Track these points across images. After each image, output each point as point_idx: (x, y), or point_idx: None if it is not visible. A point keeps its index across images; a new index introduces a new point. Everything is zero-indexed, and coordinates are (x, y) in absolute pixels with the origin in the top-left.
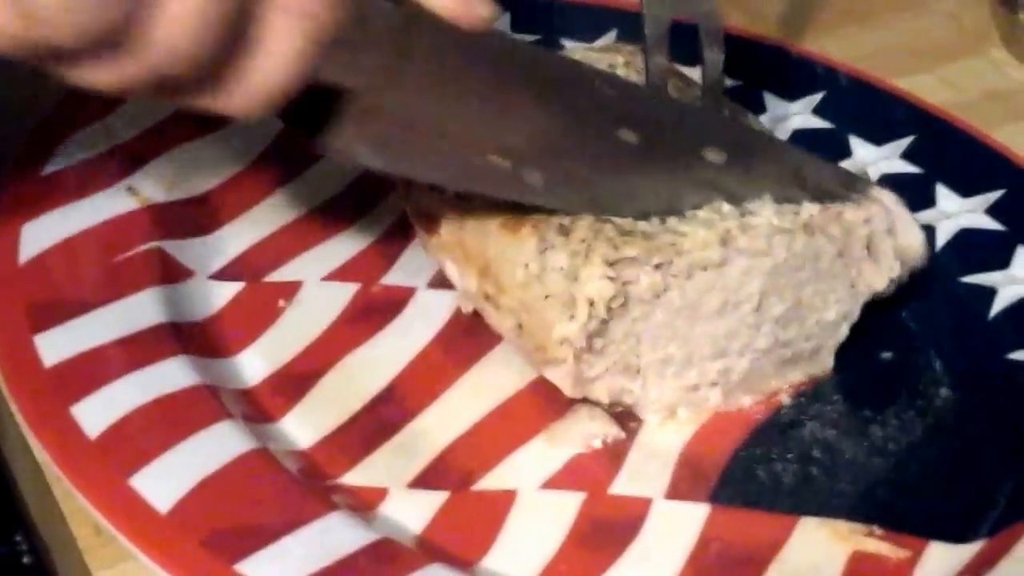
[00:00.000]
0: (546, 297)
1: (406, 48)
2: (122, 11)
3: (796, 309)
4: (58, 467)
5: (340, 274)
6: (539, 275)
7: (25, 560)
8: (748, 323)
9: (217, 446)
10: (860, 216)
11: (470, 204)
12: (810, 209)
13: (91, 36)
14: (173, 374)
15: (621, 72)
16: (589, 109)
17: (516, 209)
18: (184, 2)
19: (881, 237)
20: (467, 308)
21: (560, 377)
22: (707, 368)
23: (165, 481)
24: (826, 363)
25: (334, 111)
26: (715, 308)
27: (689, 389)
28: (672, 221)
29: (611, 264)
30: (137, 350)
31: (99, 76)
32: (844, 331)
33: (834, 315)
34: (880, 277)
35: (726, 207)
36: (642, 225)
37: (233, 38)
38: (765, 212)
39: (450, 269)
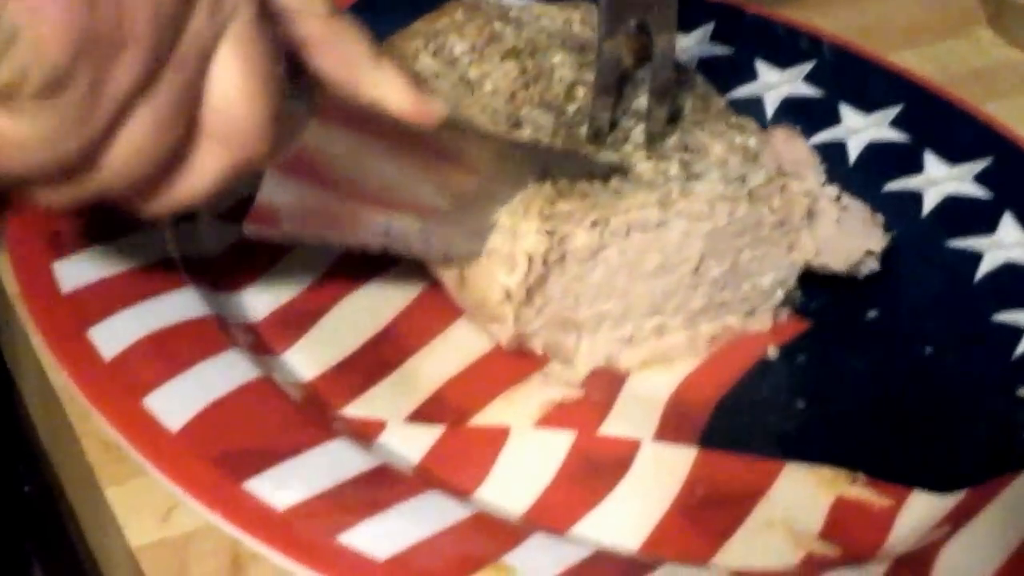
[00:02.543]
0: (488, 253)
1: (319, 141)
2: (81, 145)
3: (733, 273)
4: (75, 386)
5: None
6: None
7: (25, 489)
8: (685, 284)
9: (225, 373)
10: (803, 188)
11: None
12: (756, 179)
13: (51, 168)
14: (184, 304)
15: (576, 28)
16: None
17: None
18: (133, 136)
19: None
20: None
21: (499, 331)
22: (642, 323)
23: (176, 403)
24: (763, 323)
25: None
26: (654, 268)
27: (623, 342)
28: (615, 181)
29: (546, 218)
30: (150, 280)
31: (47, 197)
32: (779, 296)
33: (769, 281)
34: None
35: (674, 170)
36: (582, 185)
37: (169, 162)
38: (712, 177)
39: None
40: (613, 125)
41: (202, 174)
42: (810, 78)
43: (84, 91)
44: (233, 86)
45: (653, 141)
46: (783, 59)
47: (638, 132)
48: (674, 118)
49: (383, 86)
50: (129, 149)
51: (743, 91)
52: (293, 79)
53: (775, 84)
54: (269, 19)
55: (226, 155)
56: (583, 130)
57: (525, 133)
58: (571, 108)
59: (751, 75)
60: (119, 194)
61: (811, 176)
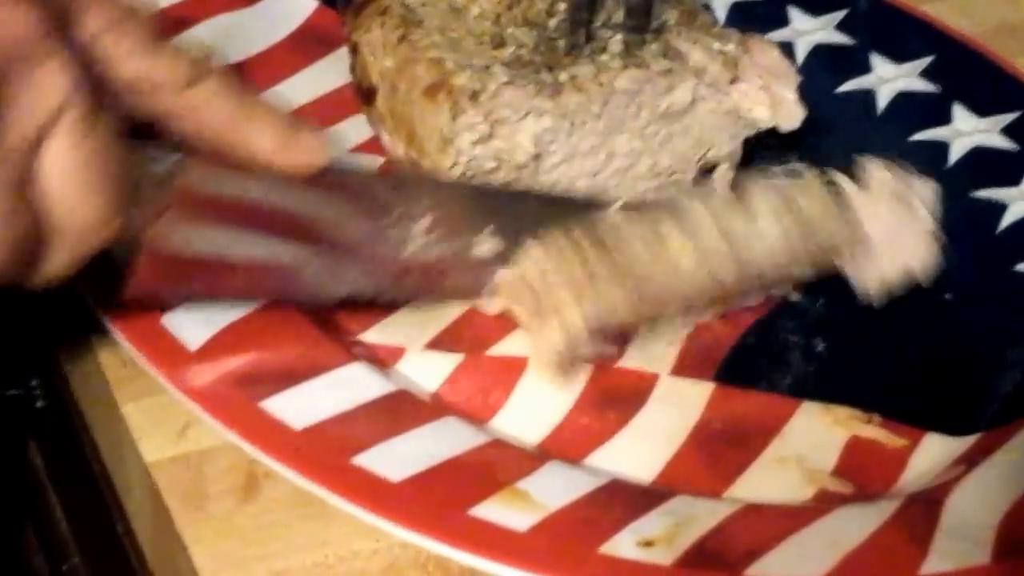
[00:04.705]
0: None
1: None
2: None
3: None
4: (93, 303)
5: (366, 147)
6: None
7: (38, 404)
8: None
9: None
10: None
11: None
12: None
13: None
14: None
15: None
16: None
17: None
18: None
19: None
20: None
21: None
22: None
23: (195, 322)
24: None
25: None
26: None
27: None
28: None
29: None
30: None
31: None
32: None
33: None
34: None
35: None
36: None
37: (29, 249)
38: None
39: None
40: (590, 37)
41: (59, 258)
42: (842, 26)
43: None
44: (66, 181)
45: (630, 50)
46: (816, 6)
47: (615, 42)
48: (658, 30)
49: (251, 143)
50: None
51: (774, 36)
52: (156, 140)
53: (807, 31)
54: (108, 104)
55: (73, 243)
56: (563, 43)
57: (508, 51)
58: (552, 23)
59: (783, 21)
60: None
61: (785, 85)
